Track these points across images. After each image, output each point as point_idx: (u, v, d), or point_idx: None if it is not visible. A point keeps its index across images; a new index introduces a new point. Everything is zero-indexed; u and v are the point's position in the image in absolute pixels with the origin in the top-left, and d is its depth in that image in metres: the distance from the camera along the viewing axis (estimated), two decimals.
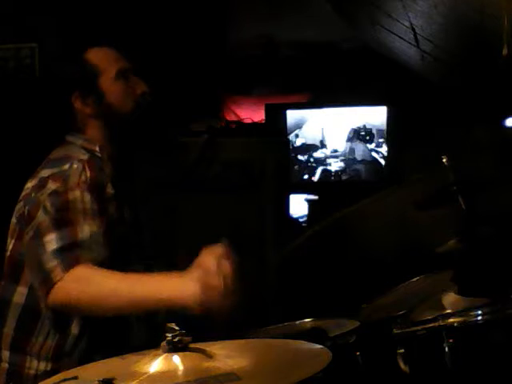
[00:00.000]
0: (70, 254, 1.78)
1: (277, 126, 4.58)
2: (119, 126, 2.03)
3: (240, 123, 4.61)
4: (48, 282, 1.76)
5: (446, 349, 1.67)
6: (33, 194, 1.90)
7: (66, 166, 1.91)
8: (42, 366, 1.89)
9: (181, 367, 1.26)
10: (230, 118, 4.85)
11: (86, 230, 1.82)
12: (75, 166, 1.91)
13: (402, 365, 1.75)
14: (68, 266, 1.75)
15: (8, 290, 1.93)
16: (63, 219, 1.83)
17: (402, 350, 1.75)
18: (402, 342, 1.77)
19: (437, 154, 1.85)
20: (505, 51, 2.32)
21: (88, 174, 1.90)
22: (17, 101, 4.00)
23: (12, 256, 1.94)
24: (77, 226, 1.82)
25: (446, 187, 1.84)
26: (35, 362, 1.89)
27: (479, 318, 1.68)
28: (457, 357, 1.67)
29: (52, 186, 1.87)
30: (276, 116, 4.62)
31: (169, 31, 4.29)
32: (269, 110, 4.68)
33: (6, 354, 1.92)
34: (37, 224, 1.84)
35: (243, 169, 4.06)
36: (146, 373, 1.26)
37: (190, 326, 1.33)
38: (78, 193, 1.86)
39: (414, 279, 2.11)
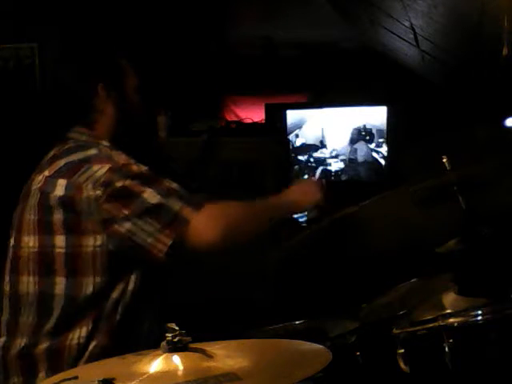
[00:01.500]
0: (192, 197, 1.89)
1: (277, 126, 4.58)
2: (129, 125, 2.07)
3: (240, 123, 4.61)
4: (179, 222, 1.84)
5: (446, 349, 1.67)
6: (60, 181, 1.90)
7: (94, 151, 1.94)
8: (84, 332, 1.90)
9: (181, 367, 1.26)
10: (230, 117, 4.85)
11: (172, 182, 1.91)
12: (104, 149, 1.95)
13: (402, 365, 1.75)
14: (197, 206, 1.86)
15: (47, 284, 1.91)
16: (148, 178, 1.89)
17: (402, 350, 1.75)
18: (402, 342, 1.76)
19: (437, 154, 1.85)
20: (505, 51, 2.33)
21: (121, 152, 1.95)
22: (17, 101, 4.00)
23: (42, 251, 1.92)
24: (164, 180, 1.90)
25: (446, 187, 1.84)
26: (77, 333, 1.90)
27: (479, 318, 1.68)
28: (457, 357, 1.67)
29: (99, 166, 1.89)
30: (276, 116, 4.62)
31: (169, 31, 4.30)
32: (269, 110, 4.69)
33: (47, 339, 1.91)
34: (95, 199, 1.86)
35: (243, 169, 4.06)
36: (145, 373, 1.26)
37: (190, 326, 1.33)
38: (136, 166, 1.91)
39: (414, 279, 2.11)
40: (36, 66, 4.08)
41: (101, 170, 1.88)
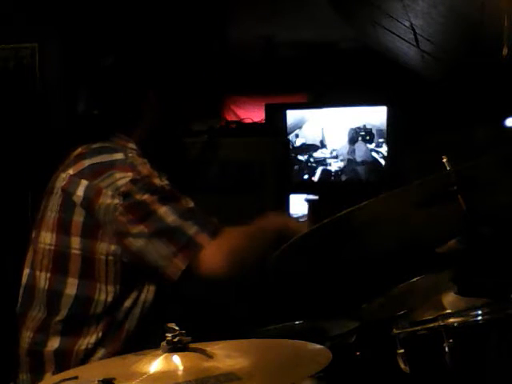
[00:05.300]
0: (207, 222, 1.88)
1: (277, 126, 4.59)
2: (165, 132, 2.11)
3: (240, 123, 4.62)
4: (193, 246, 1.83)
5: (446, 349, 1.67)
6: (83, 181, 1.90)
7: (120, 156, 1.92)
8: (93, 339, 1.90)
9: (181, 367, 1.26)
10: (230, 117, 4.86)
11: (190, 201, 1.91)
12: (130, 155, 1.94)
13: (402, 365, 1.75)
14: (212, 234, 1.86)
15: (58, 282, 1.92)
16: (167, 195, 1.88)
17: (402, 350, 1.75)
18: (402, 342, 1.76)
19: (437, 154, 1.85)
20: (505, 51, 2.33)
21: (147, 161, 1.95)
22: (17, 101, 4.00)
23: (57, 250, 1.92)
24: (182, 199, 1.89)
25: (445, 187, 1.84)
26: (87, 339, 1.90)
27: (479, 317, 1.68)
28: (457, 357, 1.67)
29: (122, 174, 1.87)
30: (276, 116, 4.63)
31: (168, 31, 4.29)
32: (269, 110, 4.69)
33: (55, 340, 1.91)
34: (112, 208, 1.85)
35: (243, 169, 4.06)
36: (145, 373, 1.26)
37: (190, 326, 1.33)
38: (158, 180, 1.90)
39: (414, 279, 2.11)
40: (36, 66, 4.08)
41: (123, 178, 1.86)
